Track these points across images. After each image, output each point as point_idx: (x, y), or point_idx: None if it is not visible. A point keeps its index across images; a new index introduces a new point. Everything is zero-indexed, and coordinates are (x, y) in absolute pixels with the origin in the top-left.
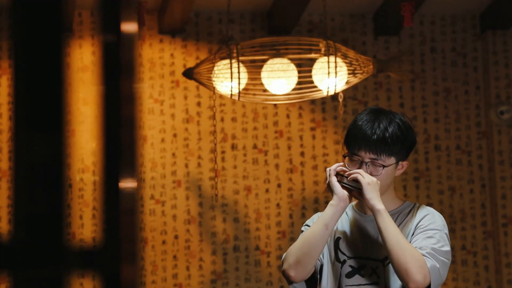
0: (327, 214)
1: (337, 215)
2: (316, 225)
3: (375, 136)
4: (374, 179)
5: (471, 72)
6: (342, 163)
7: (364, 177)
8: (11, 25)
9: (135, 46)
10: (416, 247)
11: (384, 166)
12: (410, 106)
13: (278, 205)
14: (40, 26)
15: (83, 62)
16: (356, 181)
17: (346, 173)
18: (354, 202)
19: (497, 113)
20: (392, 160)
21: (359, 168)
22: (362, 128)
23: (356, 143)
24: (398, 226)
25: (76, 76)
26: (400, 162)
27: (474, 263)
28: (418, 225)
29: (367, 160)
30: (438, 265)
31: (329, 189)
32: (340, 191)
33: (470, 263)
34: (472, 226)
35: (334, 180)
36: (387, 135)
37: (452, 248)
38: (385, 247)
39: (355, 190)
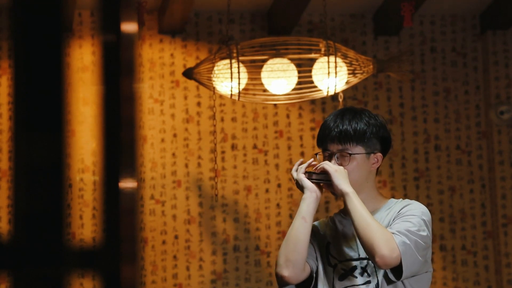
0: (302, 208)
1: (312, 206)
2: (295, 221)
3: (338, 128)
4: (340, 167)
5: (471, 72)
6: (307, 162)
7: (330, 166)
8: (11, 25)
9: (135, 46)
10: (390, 230)
11: (351, 154)
12: (410, 106)
13: (278, 205)
14: (40, 26)
15: (83, 62)
16: (323, 173)
17: (313, 168)
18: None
19: (497, 113)
20: (359, 149)
21: (329, 161)
22: (328, 124)
23: (323, 138)
24: (380, 221)
25: (76, 76)
26: (372, 155)
27: (474, 263)
28: (398, 214)
29: (335, 151)
30: (409, 242)
31: (299, 186)
32: (309, 184)
33: (470, 263)
34: (472, 226)
35: (302, 176)
36: (350, 127)
37: (452, 248)
38: (354, 227)
39: (324, 182)
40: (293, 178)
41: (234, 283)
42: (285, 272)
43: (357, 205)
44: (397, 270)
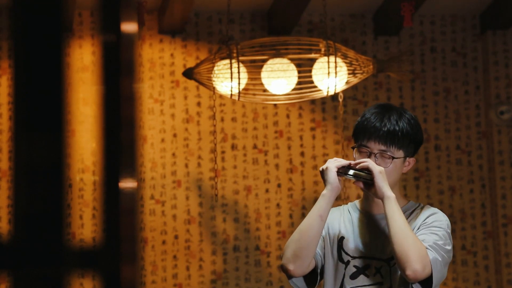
0: (321, 204)
1: (330, 205)
2: (311, 217)
3: (386, 128)
4: (382, 168)
5: (471, 72)
6: (347, 161)
7: (375, 166)
8: (11, 25)
9: (135, 46)
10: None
11: (393, 158)
12: (410, 106)
13: (278, 205)
14: (40, 26)
15: (83, 62)
16: (363, 170)
17: (353, 163)
18: (356, 201)
19: (497, 113)
20: (400, 153)
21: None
22: (372, 120)
23: (365, 134)
24: None
25: (76, 76)
26: (407, 158)
27: (474, 263)
28: (423, 223)
29: (376, 151)
30: (440, 259)
31: (322, 176)
32: (334, 180)
33: (470, 263)
34: (472, 226)
35: (333, 169)
36: (397, 128)
37: (452, 248)
38: (389, 234)
39: (363, 180)
40: (325, 167)
41: (234, 283)
42: (291, 266)
43: (396, 212)
44: (423, 282)
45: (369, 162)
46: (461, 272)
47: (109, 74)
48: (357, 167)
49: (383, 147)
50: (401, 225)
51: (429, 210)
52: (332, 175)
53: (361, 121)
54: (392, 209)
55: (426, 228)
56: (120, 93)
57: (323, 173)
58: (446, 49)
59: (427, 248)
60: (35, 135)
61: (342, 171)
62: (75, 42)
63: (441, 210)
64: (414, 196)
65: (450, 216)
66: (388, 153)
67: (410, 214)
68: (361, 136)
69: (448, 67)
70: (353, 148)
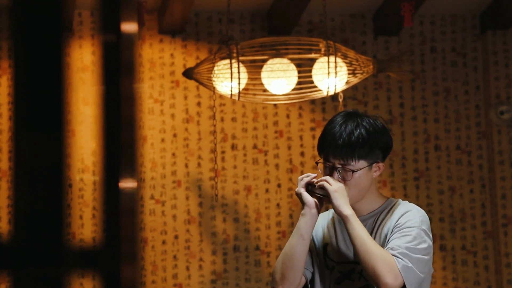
0: (300, 224)
1: (310, 223)
2: (293, 238)
3: (341, 141)
4: (340, 185)
5: (471, 72)
6: (312, 175)
7: (330, 184)
8: (11, 25)
9: (135, 46)
10: (390, 247)
11: (353, 171)
12: (410, 106)
13: (278, 205)
14: (40, 26)
15: (83, 62)
16: (323, 188)
17: (315, 181)
18: None
19: (497, 113)
20: (362, 163)
21: (331, 174)
22: (330, 134)
23: (324, 149)
24: (378, 226)
25: (76, 76)
26: (374, 164)
27: (474, 263)
28: (396, 224)
29: (337, 165)
30: (411, 265)
31: (299, 199)
32: (308, 200)
33: (470, 263)
34: (472, 226)
35: (302, 190)
36: (353, 139)
37: (452, 248)
38: (354, 252)
39: (325, 198)
40: (296, 191)
41: (234, 283)
42: None
43: (356, 229)
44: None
45: (324, 182)
46: (461, 272)
47: (109, 74)
48: (316, 185)
49: (342, 161)
50: (363, 241)
51: (403, 208)
52: (305, 196)
53: (321, 135)
54: (352, 227)
55: (399, 231)
56: (120, 93)
57: (298, 196)
58: (446, 49)
59: (395, 257)
60: (35, 135)
61: (308, 189)
62: (75, 42)
63: (441, 210)
64: (414, 196)
65: (450, 216)
66: (349, 167)
67: (386, 213)
68: (322, 151)
69: (448, 67)
70: (317, 163)
